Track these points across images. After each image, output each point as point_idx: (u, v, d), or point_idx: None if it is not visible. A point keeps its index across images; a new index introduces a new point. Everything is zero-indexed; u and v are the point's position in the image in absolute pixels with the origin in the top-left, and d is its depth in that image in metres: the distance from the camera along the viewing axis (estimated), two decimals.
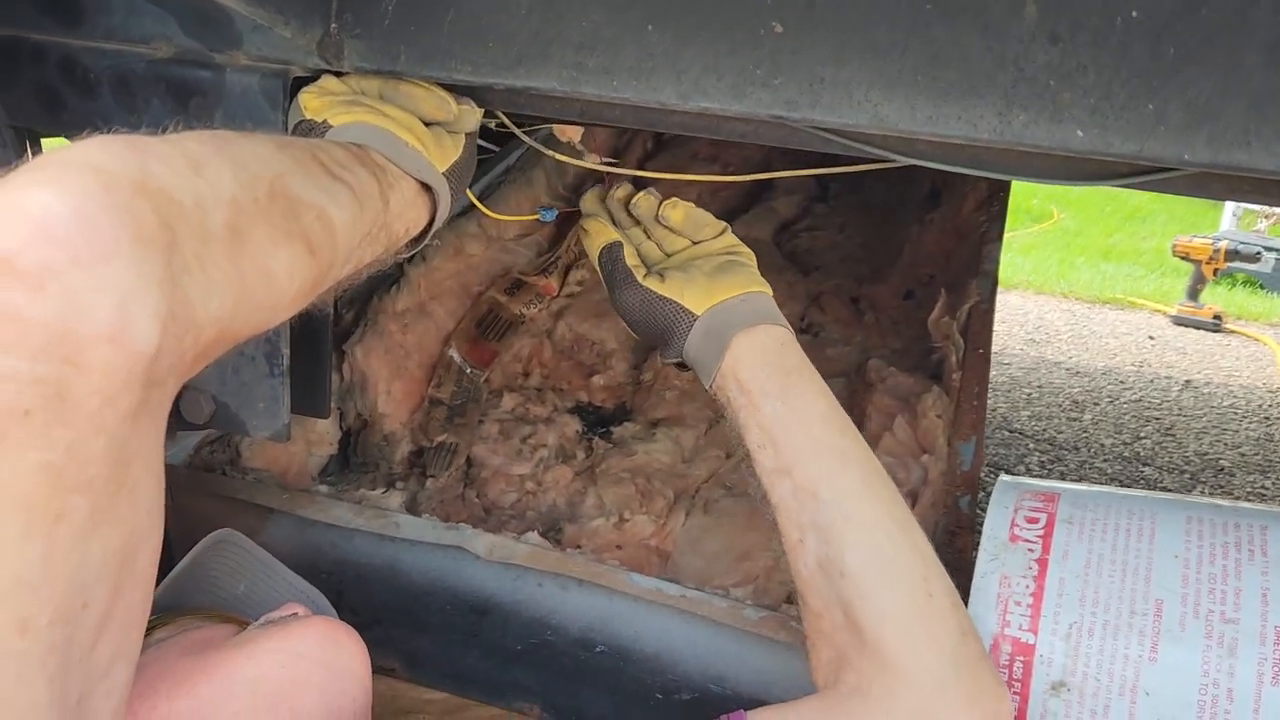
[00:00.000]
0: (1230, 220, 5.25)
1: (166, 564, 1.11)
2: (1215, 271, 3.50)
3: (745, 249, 0.95)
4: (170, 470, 1.13)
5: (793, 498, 0.79)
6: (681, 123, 0.72)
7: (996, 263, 1.48)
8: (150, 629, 0.78)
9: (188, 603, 0.85)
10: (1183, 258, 3.53)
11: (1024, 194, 6.13)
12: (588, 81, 0.68)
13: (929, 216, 1.76)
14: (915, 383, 1.31)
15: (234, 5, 0.61)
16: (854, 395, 1.42)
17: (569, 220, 1.81)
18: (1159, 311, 3.59)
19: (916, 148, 0.68)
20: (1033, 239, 5.48)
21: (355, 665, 0.71)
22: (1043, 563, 0.88)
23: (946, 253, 1.66)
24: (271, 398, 0.80)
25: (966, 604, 0.86)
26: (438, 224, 0.77)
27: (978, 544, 0.92)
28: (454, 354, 1.50)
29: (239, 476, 1.14)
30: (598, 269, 0.95)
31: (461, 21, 0.69)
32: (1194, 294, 3.48)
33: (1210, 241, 3.49)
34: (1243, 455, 2.08)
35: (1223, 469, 2.00)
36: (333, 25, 0.71)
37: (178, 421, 0.81)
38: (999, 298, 3.39)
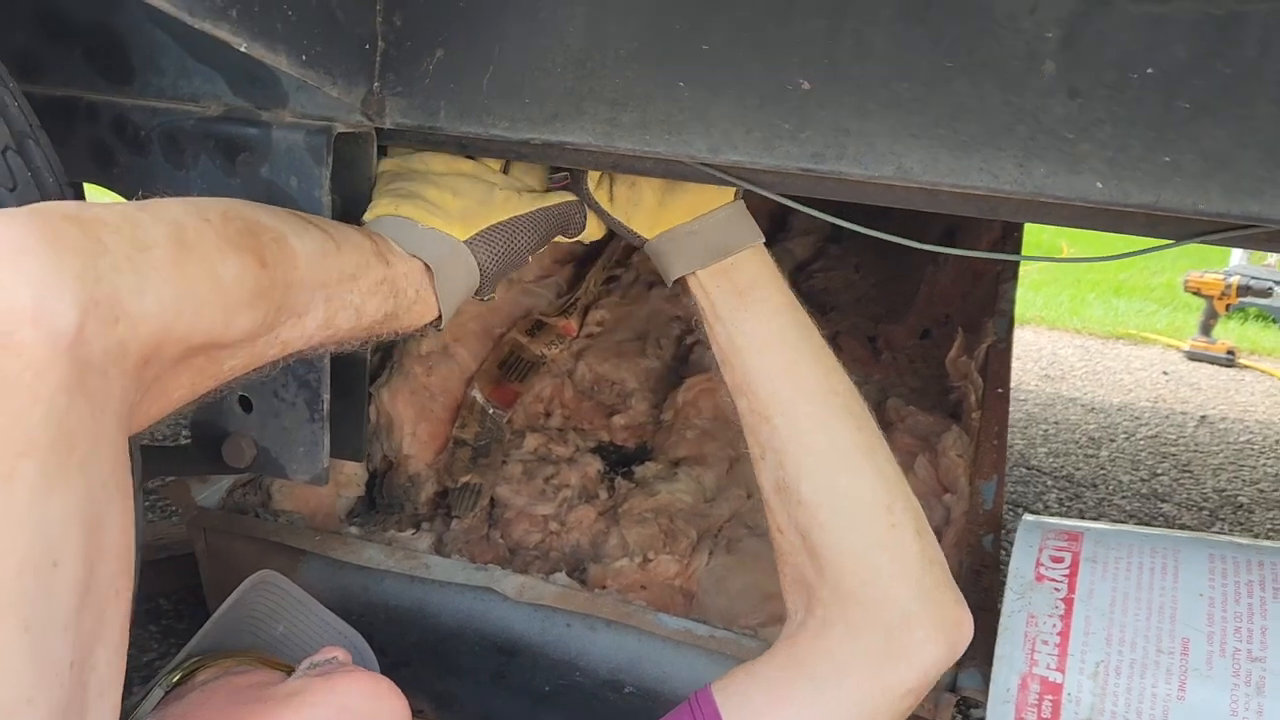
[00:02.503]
0: (1240, 255, 5.26)
1: (199, 605, 1.13)
2: (1227, 307, 3.52)
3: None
4: (204, 513, 1.15)
5: (750, 416, 0.82)
6: (708, 176, 0.75)
7: (1013, 302, 1.50)
8: (193, 671, 0.80)
9: (230, 643, 0.86)
10: (1195, 293, 3.55)
11: (1034, 229, 6.14)
12: (621, 136, 0.71)
13: (944, 257, 1.78)
14: (935, 422, 1.33)
15: (285, 68, 0.64)
16: None
17: (587, 263, 1.84)
18: (1172, 347, 3.60)
19: (939, 198, 0.70)
20: (1043, 274, 5.49)
21: (397, 717, 0.72)
22: (1069, 601, 0.89)
23: (963, 292, 1.68)
24: (312, 442, 0.82)
25: (994, 643, 0.87)
26: (453, 292, 0.79)
27: (1002, 582, 0.93)
28: (477, 395, 1.53)
29: (271, 519, 1.16)
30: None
31: (499, 79, 0.72)
32: (1206, 329, 3.49)
33: (1222, 277, 3.51)
34: (1261, 491, 2.07)
35: (1241, 505, 2.00)
36: (375, 84, 0.74)
37: (221, 465, 0.83)
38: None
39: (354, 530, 1.18)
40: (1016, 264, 1.59)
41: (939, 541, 1.12)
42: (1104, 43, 0.61)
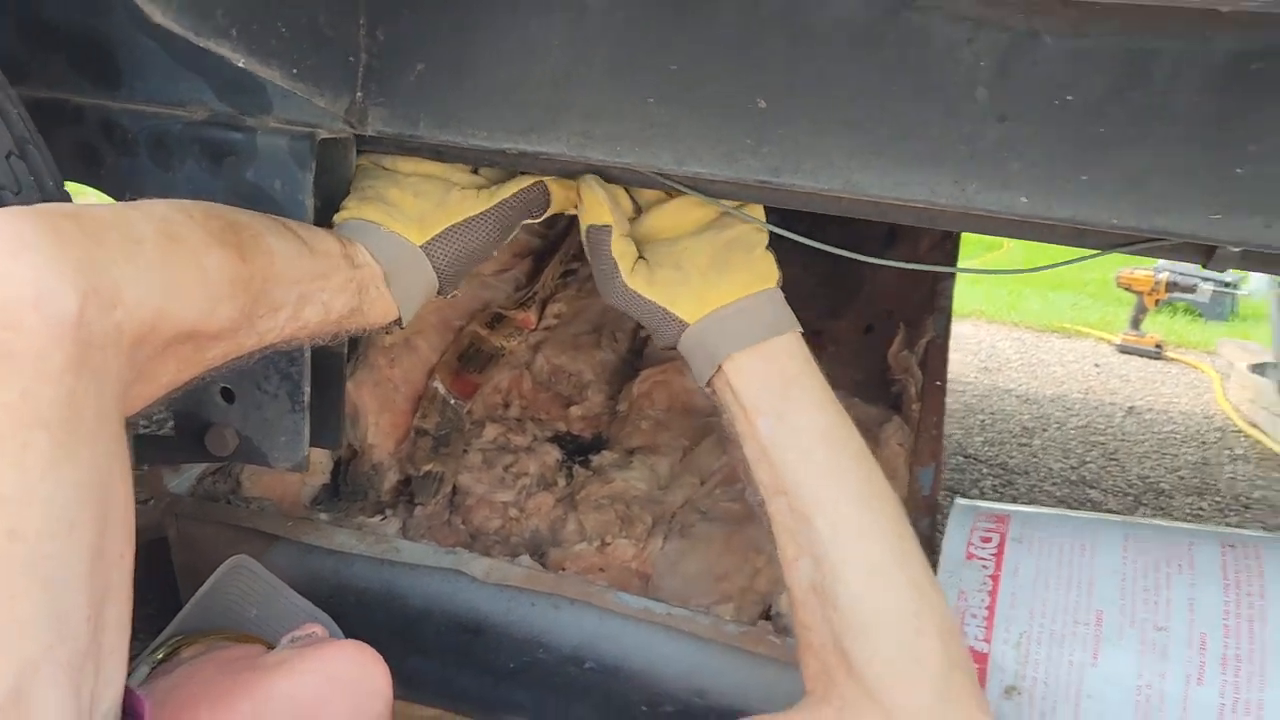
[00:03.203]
0: None
1: (172, 588, 1.16)
2: (1156, 302, 3.67)
3: (754, 213, 0.86)
4: (176, 500, 1.18)
5: (789, 517, 0.80)
6: (685, 187, 0.80)
7: (950, 299, 1.57)
8: (176, 649, 0.84)
9: (210, 625, 0.90)
10: (1126, 288, 3.70)
11: None
12: (594, 148, 0.76)
13: (887, 255, 1.86)
14: (877, 413, 1.40)
15: (278, 81, 0.68)
16: None
17: (545, 257, 1.89)
18: (1104, 340, 3.75)
19: (884, 209, 0.76)
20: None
21: (381, 686, 0.77)
22: (995, 578, 0.96)
23: (904, 289, 1.76)
24: (293, 431, 0.86)
25: None
26: (411, 294, 0.82)
27: (936, 563, 1.00)
28: (438, 386, 1.57)
29: (241, 505, 1.20)
30: (584, 244, 0.87)
31: (478, 92, 0.77)
32: (1137, 323, 3.65)
33: (1152, 273, 3.66)
34: (1181, 479, 2.20)
35: (1163, 491, 2.12)
36: (359, 94, 0.78)
37: (204, 453, 0.87)
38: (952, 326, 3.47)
39: (324, 516, 1.22)
40: (955, 264, 1.67)
41: None
42: (1031, 73, 0.68)
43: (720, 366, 0.82)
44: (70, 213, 0.53)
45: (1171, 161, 0.67)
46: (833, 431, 0.81)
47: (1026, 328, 3.84)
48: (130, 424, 0.67)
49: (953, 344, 3.04)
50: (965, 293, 4.45)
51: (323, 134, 0.80)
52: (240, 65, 0.64)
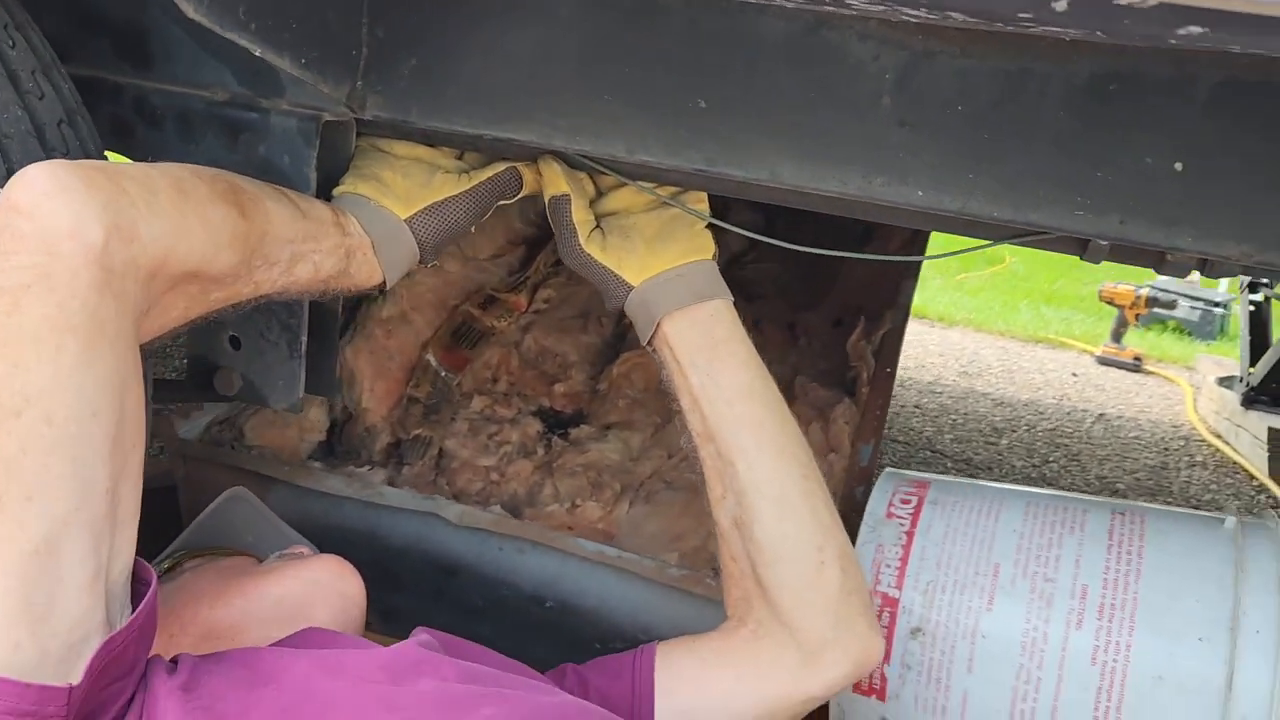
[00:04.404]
0: None
1: (178, 532, 1.29)
2: (1137, 316, 3.78)
3: (698, 193, 0.97)
4: (185, 444, 1.31)
5: (716, 460, 0.93)
6: (628, 171, 0.92)
7: (910, 296, 1.69)
8: (180, 561, 0.97)
9: (210, 543, 1.02)
10: (1108, 303, 3.81)
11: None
12: (558, 136, 0.88)
13: (863, 252, 1.98)
14: (831, 396, 1.52)
15: (288, 69, 0.80)
16: None
17: (538, 245, 2.01)
18: (1086, 352, 3.86)
19: (808, 199, 0.88)
20: (983, 281, 5.76)
21: (356, 591, 0.89)
22: (910, 534, 1.08)
23: (871, 287, 1.88)
24: (290, 376, 0.98)
25: None
26: (396, 261, 0.93)
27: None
28: (431, 359, 1.69)
29: (245, 452, 1.32)
30: (548, 214, 0.97)
31: (462, 84, 0.89)
32: (1118, 336, 3.76)
33: (1133, 288, 3.77)
34: (1137, 480, 2.31)
35: (1117, 491, 2.23)
36: (359, 82, 0.91)
37: (212, 393, 1.00)
38: (939, 333, 3.61)
39: (318, 464, 1.34)
40: (919, 264, 1.78)
41: None
42: (927, 86, 0.80)
43: (658, 326, 0.94)
44: (101, 166, 0.65)
45: (1041, 165, 0.79)
46: (753, 387, 0.93)
47: (1012, 337, 3.95)
48: (149, 368, 0.79)
49: (937, 349, 3.16)
50: (959, 302, 4.57)
51: (327, 117, 0.92)
52: (257, 54, 0.76)
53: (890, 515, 1.10)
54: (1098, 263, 0.87)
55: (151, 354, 0.83)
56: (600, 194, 0.99)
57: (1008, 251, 6.38)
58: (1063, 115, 0.78)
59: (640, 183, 0.94)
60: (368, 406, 1.60)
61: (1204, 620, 0.96)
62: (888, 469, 1.17)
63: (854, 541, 1.10)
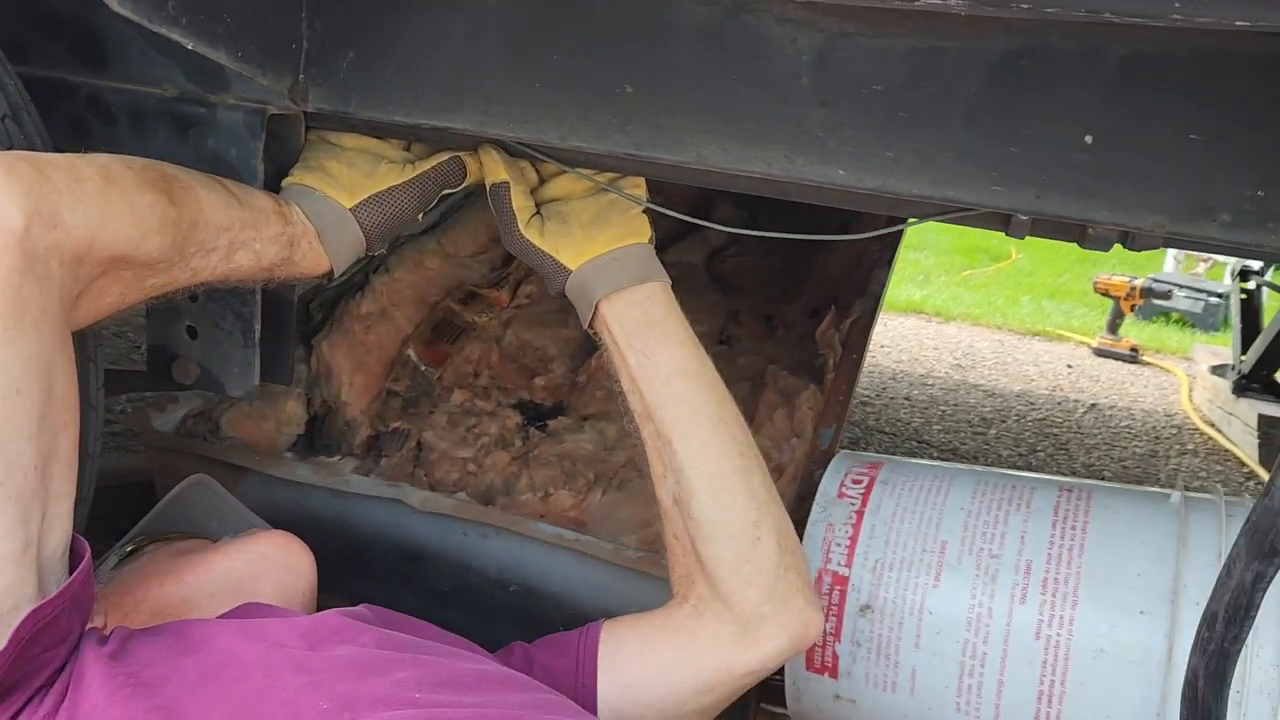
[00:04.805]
0: (1172, 263, 5.54)
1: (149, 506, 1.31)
2: (1133, 307, 3.77)
3: (636, 179, 0.99)
4: (159, 436, 1.34)
5: (655, 439, 0.95)
6: (564, 158, 0.95)
7: (882, 285, 1.70)
8: (141, 545, 0.99)
9: (172, 529, 1.05)
10: (1104, 294, 3.80)
11: (987, 234, 6.40)
12: (491, 124, 0.90)
13: (835, 245, 2.00)
14: (799, 383, 1.53)
15: (225, 62, 0.83)
16: (754, 395, 1.64)
17: None
18: (1083, 343, 3.85)
19: (737, 180, 0.90)
20: (988, 277, 5.75)
21: (304, 566, 0.91)
22: (860, 514, 1.10)
23: (845, 277, 1.89)
24: (245, 364, 1.01)
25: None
26: (341, 249, 0.94)
27: None
28: (411, 354, 1.72)
29: (219, 443, 1.35)
30: (489, 201, 0.99)
31: (398, 75, 0.92)
32: (1113, 328, 3.74)
33: (1128, 280, 3.76)
34: (1125, 468, 2.31)
35: (1104, 478, 2.23)
36: (300, 76, 0.93)
37: (171, 382, 1.02)
38: (935, 328, 3.60)
39: (288, 455, 1.37)
40: (893, 253, 1.80)
41: (781, 475, 1.34)
42: (844, 67, 0.82)
43: (596, 308, 0.96)
44: (25, 156, 0.68)
45: (956, 141, 0.81)
46: (689, 366, 0.95)
47: (1010, 330, 3.95)
48: (98, 355, 0.81)
49: (931, 342, 3.16)
50: (959, 296, 4.57)
51: (272, 110, 0.94)
52: (190, 47, 0.79)
53: (841, 495, 1.12)
54: (1020, 237, 0.88)
55: (106, 343, 0.86)
56: (542, 181, 1.01)
57: (1014, 247, 6.38)
58: (975, 91, 0.79)
59: (579, 170, 0.96)
60: (346, 400, 1.62)
61: (1145, 593, 0.97)
62: (843, 450, 1.19)
63: (806, 521, 1.12)
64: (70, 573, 0.70)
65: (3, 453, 0.63)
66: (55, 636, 0.66)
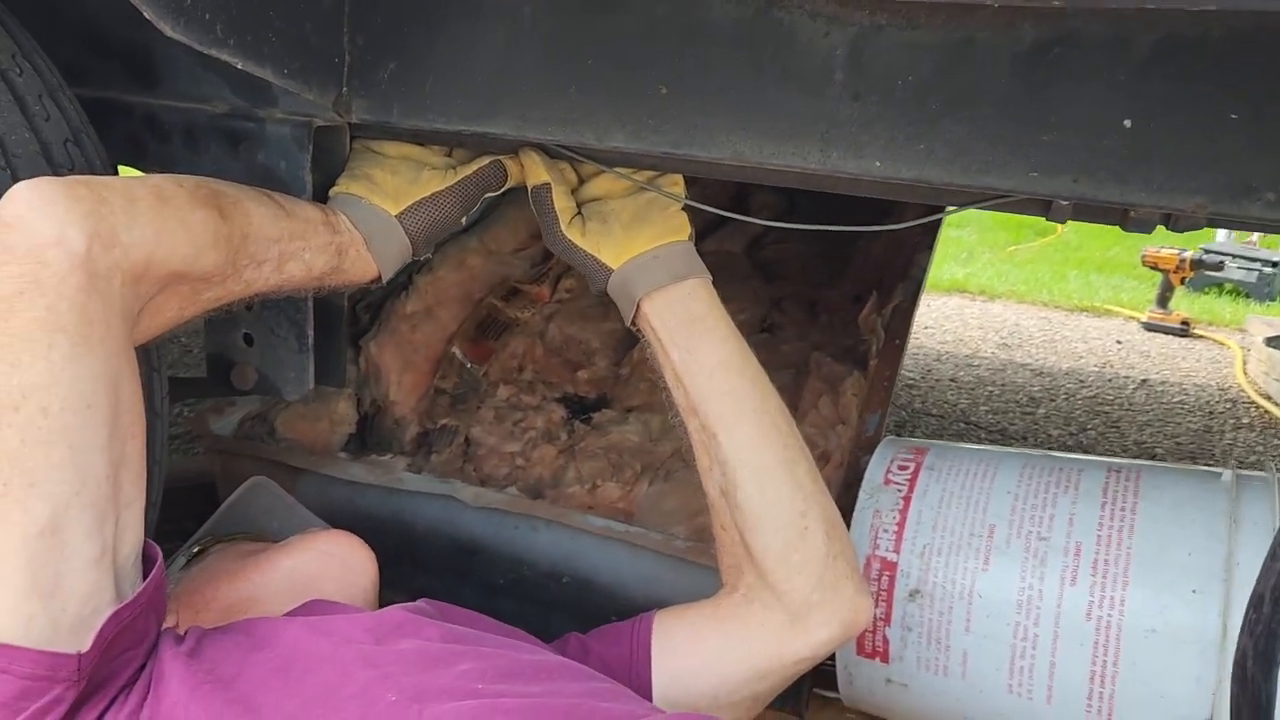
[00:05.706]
0: (1224, 233, 5.42)
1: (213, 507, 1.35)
2: (1183, 279, 3.69)
3: (674, 176, 1.00)
4: (220, 439, 1.38)
5: (701, 433, 0.97)
6: (603, 158, 0.96)
7: (924, 269, 1.70)
8: (207, 546, 1.03)
9: (236, 529, 1.09)
10: (1152, 267, 3.73)
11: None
12: (529, 128, 0.92)
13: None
14: (843, 370, 1.54)
15: (271, 79, 0.86)
16: (799, 382, 1.65)
17: None
18: (1132, 318, 3.78)
19: (774, 175, 0.91)
20: (1034, 253, 5.66)
21: (365, 564, 0.94)
22: (907, 499, 1.10)
23: (890, 260, 1.89)
24: (300, 368, 1.04)
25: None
26: (389, 255, 0.97)
27: None
28: (456, 351, 1.75)
29: (275, 444, 1.39)
30: (531, 203, 1.01)
31: (438, 84, 0.94)
32: (1163, 301, 3.67)
33: (1177, 252, 3.69)
34: (1178, 444, 2.27)
35: (1156, 456, 2.20)
36: (344, 88, 0.96)
37: (230, 388, 1.06)
38: (980, 306, 3.56)
39: (342, 455, 1.41)
40: (934, 237, 1.79)
41: (828, 463, 1.35)
42: (877, 60, 0.82)
43: (639, 306, 0.98)
44: (84, 180, 0.71)
45: (991, 130, 0.81)
46: (732, 360, 0.97)
47: (1056, 307, 3.89)
48: (163, 365, 0.84)
49: (976, 321, 3.13)
50: (1005, 273, 4.51)
51: (318, 122, 0.97)
52: (239, 67, 0.82)
53: (888, 481, 1.13)
54: (1062, 221, 0.88)
55: (170, 353, 0.89)
56: (582, 181, 1.03)
57: (1061, 227, 6.26)
58: (1008, 80, 0.80)
59: (617, 169, 0.98)
60: (395, 399, 1.66)
61: (1197, 572, 0.97)
62: (889, 436, 1.19)
63: (853, 508, 1.13)
64: (144, 576, 0.74)
65: (77, 464, 0.66)
66: (135, 637, 0.70)
